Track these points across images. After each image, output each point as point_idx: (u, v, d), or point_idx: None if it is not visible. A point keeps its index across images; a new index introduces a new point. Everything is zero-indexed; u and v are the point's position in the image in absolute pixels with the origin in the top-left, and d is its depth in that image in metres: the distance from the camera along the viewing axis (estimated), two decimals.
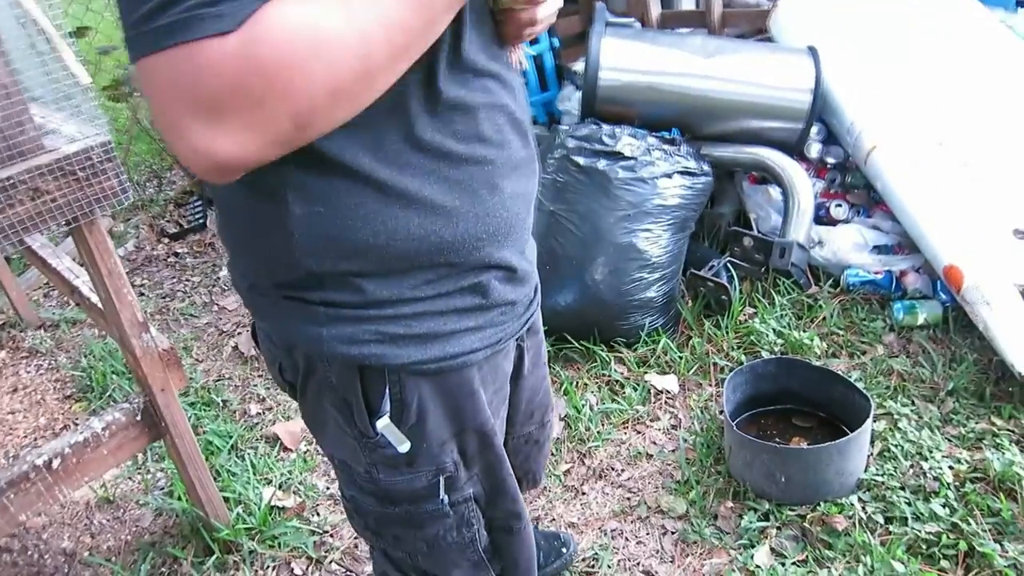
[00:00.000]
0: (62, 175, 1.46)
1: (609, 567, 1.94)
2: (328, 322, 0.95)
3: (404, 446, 1.04)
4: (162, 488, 2.33)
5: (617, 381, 2.51)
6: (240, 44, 0.65)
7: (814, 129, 2.83)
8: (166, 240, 3.79)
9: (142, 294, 3.39)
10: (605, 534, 2.04)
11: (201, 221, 3.86)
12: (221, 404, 2.63)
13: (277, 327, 1.01)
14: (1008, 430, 2.12)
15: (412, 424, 1.03)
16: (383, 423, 1.01)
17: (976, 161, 2.58)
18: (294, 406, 2.57)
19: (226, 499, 2.14)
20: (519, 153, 0.99)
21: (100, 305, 1.76)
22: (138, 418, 1.84)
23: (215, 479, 2.23)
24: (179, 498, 2.17)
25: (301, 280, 0.93)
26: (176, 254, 3.69)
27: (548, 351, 2.60)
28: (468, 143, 0.91)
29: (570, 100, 3.20)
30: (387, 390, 1.00)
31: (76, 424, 2.62)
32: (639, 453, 2.26)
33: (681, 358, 2.55)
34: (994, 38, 3.04)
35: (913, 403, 2.26)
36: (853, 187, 2.92)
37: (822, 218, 2.86)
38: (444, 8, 0.75)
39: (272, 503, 2.18)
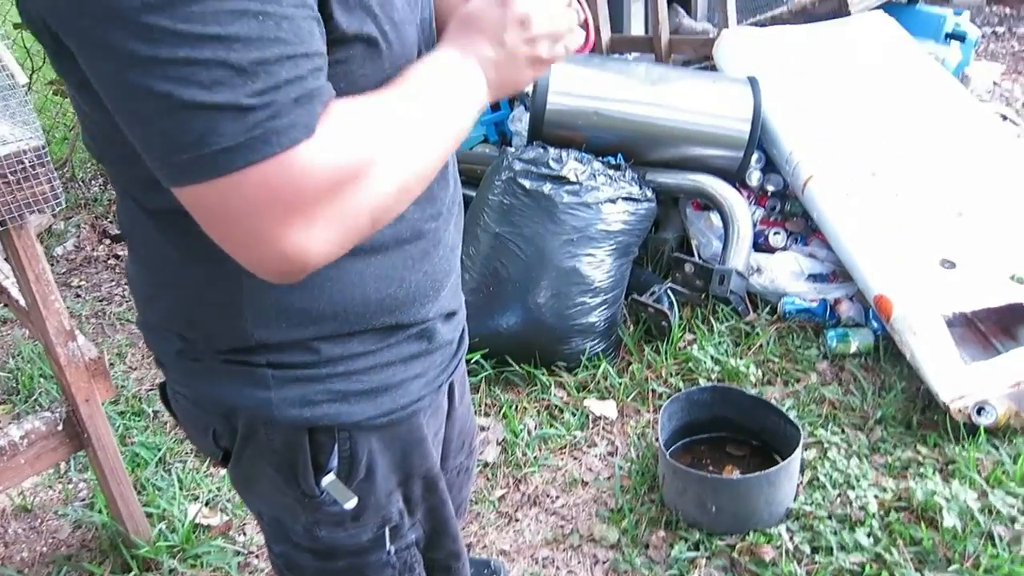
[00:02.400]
0: None
1: None
2: (277, 385, 0.90)
3: (351, 502, 0.98)
4: (83, 499, 2.26)
5: (556, 406, 2.51)
6: (326, 144, 0.66)
7: (754, 157, 2.89)
8: (107, 242, 3.70)
9: (79, 295, 3.30)
10: (537, 562, 2.03)
11: None
12: (152, 415, 2.57)
13: (212, 392, 0.94)
14: (932, 458, 2.17)
15: (360, 479, 0.99)
16: (328, 480, 0.97)
17: (906, 192, 2.66)
18: None
19: (149, 514, 2.09)
20: (455, 199, 0.99)
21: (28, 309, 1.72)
22: (59, 428, 1.79)
23: (140, 493, 2.17)
24: (100, 511, 2.11)
25: (247, 347, 0.88)
26: (117, 256, 3.60)
27: (489, 374, 2.61)
28: (418, 203, 0.87)
29: (521, 121, 3.21)
30: (335, 448, 0.96)
31: None
32: (575, 480, 2.26)
33: (620, 384, 2.56)
34: (925, 71, 3.15)
35: (843, 431, 2.30)
36: (792, 215, 2.98)
37: (761, 245, 2.91)
38: (480, 108, 0.83)
39: (197, 520, 2.12)
